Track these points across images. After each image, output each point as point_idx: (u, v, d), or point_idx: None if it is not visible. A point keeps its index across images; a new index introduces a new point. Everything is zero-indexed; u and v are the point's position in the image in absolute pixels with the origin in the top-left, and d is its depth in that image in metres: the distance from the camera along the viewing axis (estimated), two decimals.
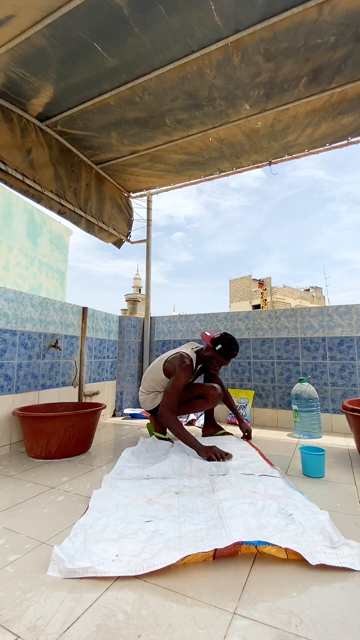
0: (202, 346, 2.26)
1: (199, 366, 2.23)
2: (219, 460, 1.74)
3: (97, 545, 1.00)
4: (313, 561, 0.92)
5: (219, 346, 2.06)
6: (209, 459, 1.74)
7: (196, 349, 2.23)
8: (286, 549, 0.95)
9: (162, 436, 2.23)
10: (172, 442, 2.15)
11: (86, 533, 1.06)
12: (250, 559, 0.97)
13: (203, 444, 1.85)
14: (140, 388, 2.31)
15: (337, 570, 0.91)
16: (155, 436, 2.24)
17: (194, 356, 2.13)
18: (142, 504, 1.28)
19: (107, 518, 1.16)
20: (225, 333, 2.12)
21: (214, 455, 1.76)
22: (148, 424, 2.40)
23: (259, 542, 0.96)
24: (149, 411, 2.27)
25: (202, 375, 2.43)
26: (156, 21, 1.57)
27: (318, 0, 1.50)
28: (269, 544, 0.96)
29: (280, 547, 0.95)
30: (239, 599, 0.81)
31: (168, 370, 2.10)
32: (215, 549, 0.93)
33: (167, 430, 2.20)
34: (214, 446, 1.83)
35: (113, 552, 0.96)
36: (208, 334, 2.16)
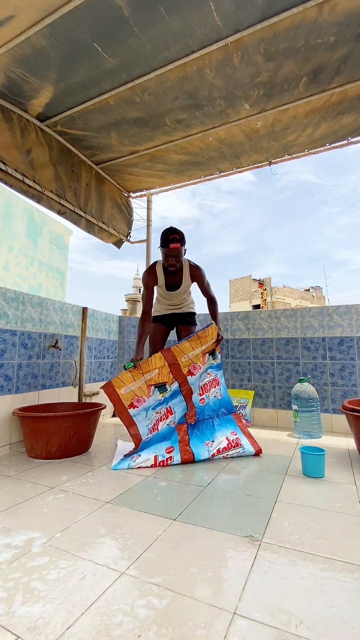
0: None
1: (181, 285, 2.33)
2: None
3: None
4: None
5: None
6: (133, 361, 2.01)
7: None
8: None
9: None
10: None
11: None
12: (252, 551, 0.97)
13: None
14: None
15: (338, 570, 0.91)
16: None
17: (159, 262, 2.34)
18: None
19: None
20: None
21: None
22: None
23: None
24: None
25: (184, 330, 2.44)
26: (156, 21, 1.57)
27: (318, 0, 1.50)
28: None
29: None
30: (239, 599, 0.81)
31: None
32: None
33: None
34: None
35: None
36: None
